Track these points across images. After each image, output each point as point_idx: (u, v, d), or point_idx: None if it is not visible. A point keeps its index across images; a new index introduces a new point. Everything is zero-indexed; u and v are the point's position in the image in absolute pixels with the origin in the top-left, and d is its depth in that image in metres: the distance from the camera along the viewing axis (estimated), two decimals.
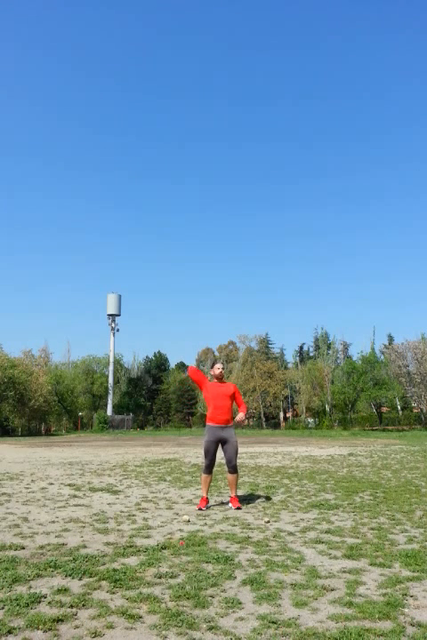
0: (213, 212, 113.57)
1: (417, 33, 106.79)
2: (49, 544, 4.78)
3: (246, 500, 7.27)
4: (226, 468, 6.93)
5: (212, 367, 7.10)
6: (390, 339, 67.02)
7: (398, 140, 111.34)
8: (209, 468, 6.80)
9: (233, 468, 6.78)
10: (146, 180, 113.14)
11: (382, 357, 54.43)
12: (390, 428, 49.59)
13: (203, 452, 6.87)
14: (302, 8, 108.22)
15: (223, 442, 6.74)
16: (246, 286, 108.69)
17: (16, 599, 3.34)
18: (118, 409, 60.52)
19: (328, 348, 59.81)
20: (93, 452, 18.14)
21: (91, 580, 3.79)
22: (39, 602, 3.34)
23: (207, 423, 6.82)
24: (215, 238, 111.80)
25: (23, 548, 4.64)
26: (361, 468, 11.61)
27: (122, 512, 6.38)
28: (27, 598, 3.35)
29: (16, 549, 4.59)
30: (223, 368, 7.08)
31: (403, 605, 3.32)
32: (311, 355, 70.82)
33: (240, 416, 6.94)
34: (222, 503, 7.04)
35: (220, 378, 6.94)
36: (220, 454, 7.32)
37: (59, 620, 3.05)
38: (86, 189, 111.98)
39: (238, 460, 7.73)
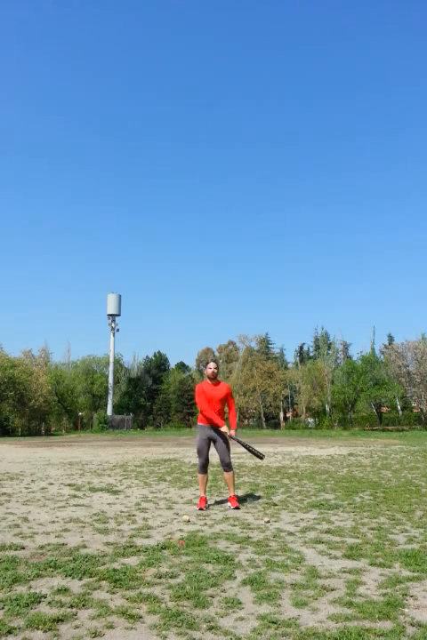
0: (213, 211, 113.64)
1: (417, 34, 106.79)
2: (49, 544, 4.78)
3: (246, 500, 7.27)
4: (221, 468, 6.92)
5: (205, 365, 7.00)
6: (390, 339, 67.04)
7: (398, 140, 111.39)
8: (204, 467, 6.82)
9: (227, 467, 6.77)
10: (146, 180, 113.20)
11: (382, 357, 54.44)
12: (390, 428, 49.60)
13: (196, 451, 6.88)
14: (303, 8, 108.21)
15: (213, 440, 6.75)
16: (246, 286, 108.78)
17: (16, 599, 3.34)
18: (118, 409, 60.49)
19: (328, 348, 59.81)
20: (93, 452, 18.14)
21: (91, 580, 3.79)
22: (39, 602, 3.34)
23: (198, 423, 6.86)
24: (215, 238, 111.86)
25: (23, 548, 4.64)
26: (361, 468, 11.61)
27: (122, 512, 6.38)
28: (27, 598, 3.35)
29: (16, 549, 4.59)
30: (216, 368, 6.84)
31: (403, 605, 3.32)
32: (311, 355, 70.83)
33: (231, 433, 6.73)
34: (222, 503, 7.04)
35: (212, 377, 6.79)
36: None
37: (59, 620, 3.05)
38: (86, 189, 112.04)
39: (239, 461, 7.70)
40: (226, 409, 6.93)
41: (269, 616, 3.12)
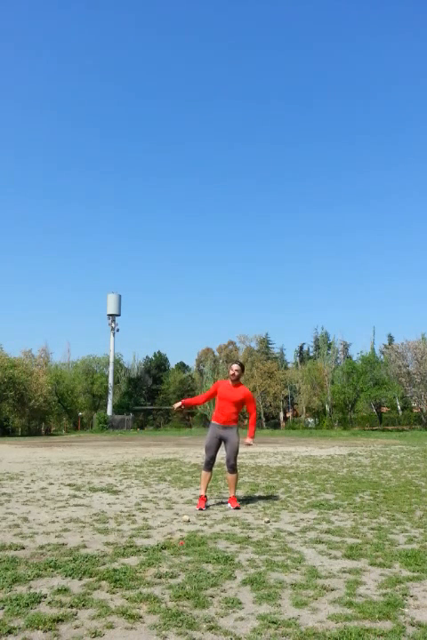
0: (213, 211, 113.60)
1: (417, 34, 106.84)
2: (49, 544, 4.78)
3: (246, 500, 7.27)
4: (226, 468, 6.95)
5: (230, 366, 6.93)
6: (390, 339, 67.04)
7: (398, 140, 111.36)
8: (209, 464, 6.82)
9: (231, 468, 6.79)
10: (146, 180, 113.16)
11: (382, 357, 54.44)
12: (390, 427, 49.61)
13: (204, 447, 6.90)
14: (304, 8, 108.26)
15: (224, 440, 6.78)
16: (246, 286, 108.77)
17: (16, 599, 3.34)
18: (118, 409, 60.49)
19: (328, 348, 59.78)
20: (93, 452, 18.14)
21: (91, 580, 3.79)
22: (39, 602, 3.34)
23: (212, 421, 6.91)
24: (215, 238, 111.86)
25: (23, 548, 4.63)
26: (361, 468, 11.61)
27: (122, 512, 6.38)
28: (27, 598, 3.35)
29: (16, 549, 4.59)
30: (239, 370, 6.82)
31: (403, 605, 3.32)
32: (311, 355, 70.79)
33: (248, 441, 6.94)
34: (222, 503, 7.04)
35: (233, 379, 6.80)
36: (221, 454, 7.33)
37: (59, 620, 3.05)
38: (86, 189, 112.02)
39: (239, 461, 7.71)
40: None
41: (269, 616, 3.12)
